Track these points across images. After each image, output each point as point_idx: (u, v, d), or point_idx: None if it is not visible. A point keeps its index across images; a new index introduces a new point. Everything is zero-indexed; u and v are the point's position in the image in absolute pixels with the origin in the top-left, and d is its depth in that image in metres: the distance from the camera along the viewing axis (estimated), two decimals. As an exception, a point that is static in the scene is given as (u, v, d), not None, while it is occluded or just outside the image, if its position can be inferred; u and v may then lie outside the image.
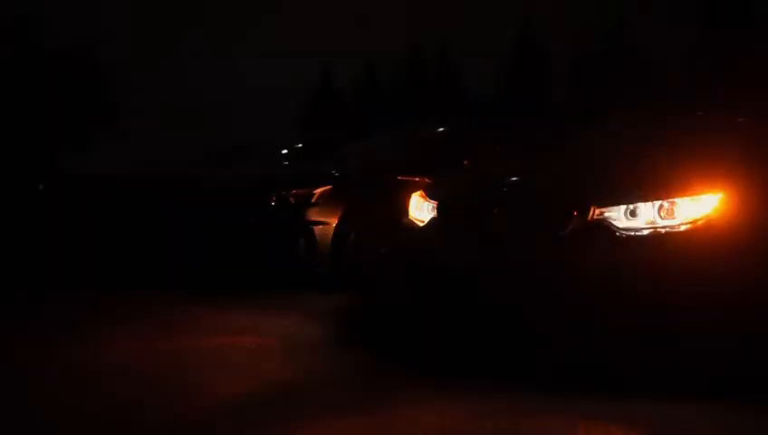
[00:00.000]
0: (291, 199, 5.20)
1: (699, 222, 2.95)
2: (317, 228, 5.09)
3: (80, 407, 2.61)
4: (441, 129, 6.75)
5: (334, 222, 5.13)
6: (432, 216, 3.85)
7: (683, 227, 2.95)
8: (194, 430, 2.41)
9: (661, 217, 2.99)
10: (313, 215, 5.13)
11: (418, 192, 4.09)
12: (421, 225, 3.93)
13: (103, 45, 24.09)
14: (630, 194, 3.08)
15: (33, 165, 19.50)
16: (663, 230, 2.97)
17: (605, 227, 3.05)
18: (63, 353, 3.35)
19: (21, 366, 3.15)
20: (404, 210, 4.19)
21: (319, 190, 5.19)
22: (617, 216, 3.05)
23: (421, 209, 3.98)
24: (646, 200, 3.03)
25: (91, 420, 2.48)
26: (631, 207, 3.04)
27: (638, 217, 3.02)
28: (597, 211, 3.08)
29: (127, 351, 3.40)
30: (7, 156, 20.56)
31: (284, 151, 8.58)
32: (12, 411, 2.57)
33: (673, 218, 2.97)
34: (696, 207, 2.97)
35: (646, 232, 2.99)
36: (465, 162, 5.07)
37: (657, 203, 3.01)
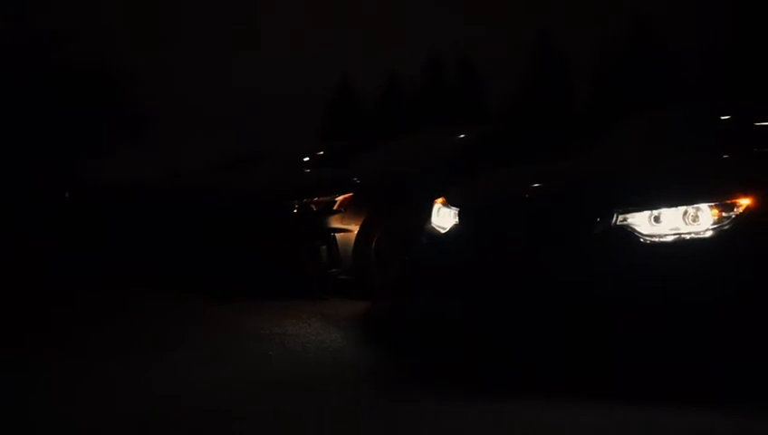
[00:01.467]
0: (312, 207, 5.23)
1: (725, 228, 2.93)
2: (339, 235, 5.10)
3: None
4: (462, 135, 6.74)
5: (356, 229, 5.14)
6: (454, 222, 3.86)
7: (708, 233, 2.93)
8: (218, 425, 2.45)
9: (686, 222, 2.98)
10: (335, 222, 5.15)
11: (440, 199, 4.10)
12: (443, 231, 3.94)
13: (124, 55, 24.39)
14: (654, 200, 3.07)
15: (58, 174, 19.77)
16: (688, 236, 2.95)
17: (628, 232, 3.04)
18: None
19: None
20: (426, 217, 4.20)
21: (341, 197, 5.20)
22: (640, 221, 3.04)
23: (443, 216, 3.99)
24: (670, 206, 3.02)
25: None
26: (655, 212, 3.02)
27: (663, 223, 3.01)
28: (620, 217, 3.07)
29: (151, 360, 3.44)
30: (34, 166, 20.86)
31: (306, 159, 8.61)
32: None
33: (698, 224, 2.96)
34: (722, 213, 2.95)
35: (670, 238, 2.98)
36: (487, 169, 5.06)
37: (682, 208, 2.99)
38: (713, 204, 2.95)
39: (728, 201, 2.95)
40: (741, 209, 2.94)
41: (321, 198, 5.25)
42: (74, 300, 5.25)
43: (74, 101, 23.30)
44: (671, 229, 3.00)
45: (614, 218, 3.08)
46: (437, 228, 4.00)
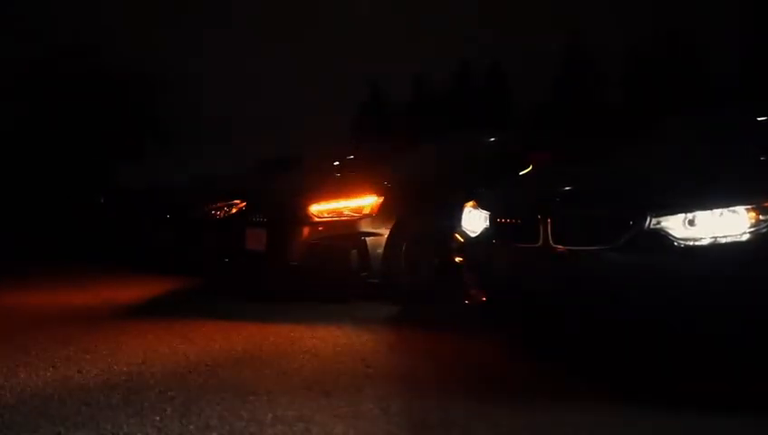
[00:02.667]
0: (343, 211, 5.25)
1: (762, 231, 2.87)
2: (369, 239, 5.12)
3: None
4: (492, 138, 6.72)
5: (386, 233, 5.16)
6: (485, 226, 3.84)
7: (745, 237, 2.88)
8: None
9: (721, 226, 2.93)
10: (365, 226, 5.17)
11: (471, 202, 4.09)
12: (474, 235, 3.93)
13: (153, 62, 24.76)
14: (689, 203, 3.03)
15: (93, 180, 20.15)
16: (724, 240, 2.90)
17: (662, 236, 3.00)
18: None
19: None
20: (456, 220, 4.20)
21: (371, 202, 5.23)
22: (674, 225, 2.99)
23: (473, 219, 3.98)
24: (705, 209, 2.97)
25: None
26: (690, 216, 2.98)
27: (697, 227, 2.96)
28: (654, 220, 3.03)
29: (179, 354, 3.49)
30: (71, 172, 21.32)
31: (336, 163, 8.66)
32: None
33: (734, 227, 2.90)
34: (759, 216, 2.89)
35: (705, 242, 2.93)
36: (518, 172, 5.04)
37: (718, 211, 2.94)
38: (749, 207, 2.90)
39: (765, 204, 2.90)
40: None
41: (352, 203, 5.28)
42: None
43: (107, 108, 23.75)
44: (706, 233, 2.95)
45: (647, 222, 3.04)
46: (468, 232, 3.99)
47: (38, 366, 3.33)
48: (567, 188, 3.60)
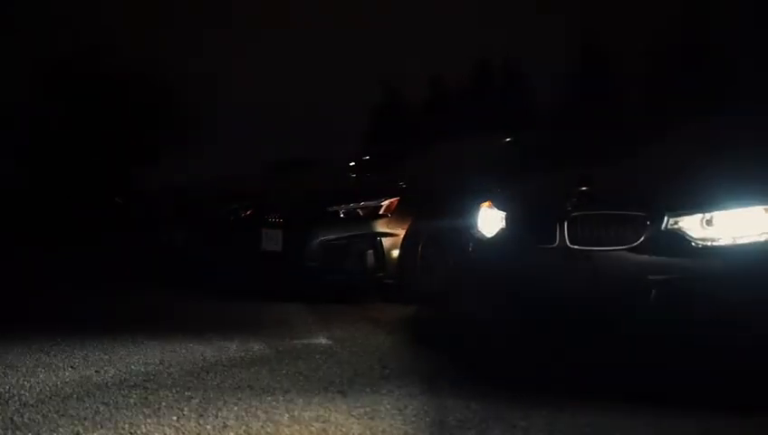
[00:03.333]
0: (359, 212, 5.27)
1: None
2: (385, 240, 5.13)
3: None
4: (508, 139, 6.70)
5: (402, 233, 5.16)
6: (500, 226, 3.84)
7: (764, 237, 2.85)
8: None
9: (739, 226, 2.90)
10: (381, 226, 5.18)
11: (486, 203, 4.09)
12: (489, 236, 3.92)
13: (168, 63, 24.93)
14: (706, 203, 3.00)
15: (111, 181, 20.34)
16: (741, 240, 2.88)
17: (679, 236, 2.98)
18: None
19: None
20: (472, 221, 4.19)
21: (386, 202, 5.23)
22: (692, 225, 2.97)
23: (489, 220, 3.97)
24: (723, 209, 2.95)
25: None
26: (707, 216, 2.95)
27: (715, 227, 2.94)
28: (671, 220, 3.01)
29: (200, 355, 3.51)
30: (89, 173, 21.53)
31: (352, 164, 8.67)
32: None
33: (752, 227, 2.88)
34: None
35: (723, 242, 2.91)
36: (534, 173, 5.02)
37: (735, 211, 2.92)
38: (767, 207, 2.88)
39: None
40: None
41: (367, 203, 5.29)
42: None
43: (122, 110, 23.93)
44: (724, 233, 2.93)
45: (665, 222, 3.02)
46: (483, 233, 3.98)
47: (57, 366, 3.37)
48: (583, 189, 3.58)
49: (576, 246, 3.27)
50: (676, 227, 3.00)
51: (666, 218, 3.02)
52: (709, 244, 2.92)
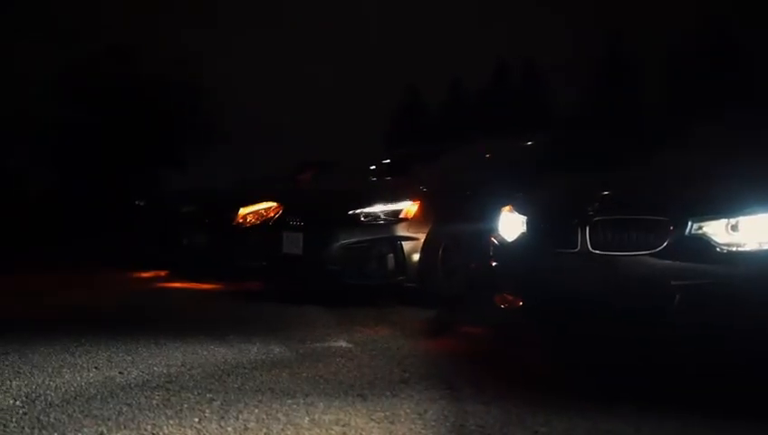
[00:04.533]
0: (379, 215, 5.27)
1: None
2: (405, 244, 5.13)
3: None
4: (529, 142, 6.68)
5: (422, 237, 5.16)
6: (521, 231, 3.82)
7: (791, 242, 2.81)
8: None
9: (765, 231, 2.87)
10: (402, 230, 5.18)
11: (507, 206, 4.07)
12: (510, 240, 3.91)
13: (199, 66, 25.14)
14: (732, 208, 2.97)
15: (134, 183, 20.55)
16: (768, 245, 2.85)
17: (704, 242, 2.95)
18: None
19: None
20: (493, 225, 4.18)
21: (407, 206, 5.23)
22: (717, 230, 2.95)
23: (510, 224, 3.96)
24: (748, 214, 2.92)
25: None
26: (733, 221, 2.92)
27: (741, 232, 2.91)
28: (695, 226, 2.98)
29: (219, 360, 3.53)
30: (113, 176, 21.77)
31: (372, 167, 8.67)
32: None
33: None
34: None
35: (749, 247, 2.88)
36: (555, 176, 5.00)
37: (762, 216, 2.89)
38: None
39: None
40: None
41: (388, 207, 5.29)
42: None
43: (152, 112, 24.12)
44: (750, 238, 2.89)
45: (689, 227, 2.99)
46: (504, 236, 3.97)
47: (81, 367, 3.40)
48: (605, 193, 3.57)
49: (598, 251, 3.26)
50: (700, 232, 2.97)
51: (690, 223, 2.99)
52: (735, 249, 2.89)
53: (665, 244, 3.03)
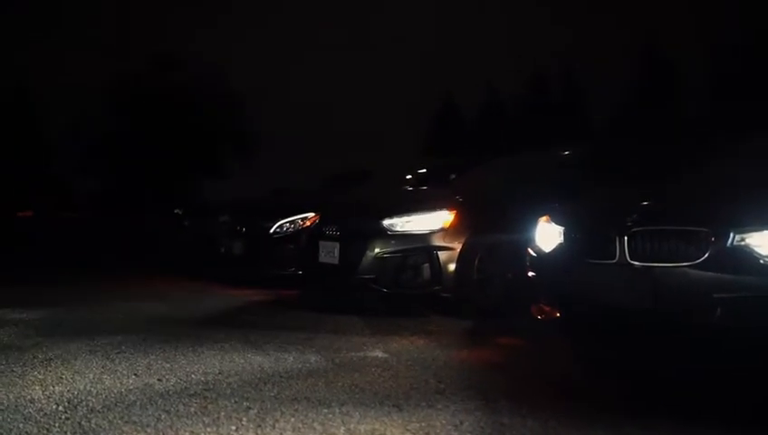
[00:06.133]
0: (415, 225, 5.27)
1: None
2: (441, 254, 5.12)
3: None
4: (566, 152, 6.62)
5: (459, 247, 5.14)
6: (559, 241, 3.79)
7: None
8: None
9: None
10: (438, 240, 5.17)
11: (544, 217, 4.05)
12: (547, 250, 3.88)
13: (236, 77, 25.62)
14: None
15: (174, 193, 20.92)
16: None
17: (747, 253, 2.89)
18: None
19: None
20: (530, 235, 4.15)
21: (443, 216, 5.22)
22: (761, 242, 2.88)
23: (547, 235, 3.93)
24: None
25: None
26: (777, 232, 2.86)
27: (785, 244, 2.84)
28: (737, 237, 2.93)
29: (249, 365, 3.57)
30: (155, 186, 22.19)
31: (408, 177, 8.68)
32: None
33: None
34: None
35: (794, 259, 2.81)
36: (592, 187, 4.95)
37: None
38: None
39: None
40: None
41: (424, 216, 5.29)
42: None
43: (191, 123, 24.52)
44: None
45: (730, 238, 2.94)
46: (541, 247, 3.94)
47: (121, 374, 3.46)
48: (644, 204, 3.52)
49: (636, 262, 3.21)
50: (742, 243, 2.91)
51: (731, 235, 2.93)
52: (778, 261, 2.83)
53: (705, 255, 2.98)
